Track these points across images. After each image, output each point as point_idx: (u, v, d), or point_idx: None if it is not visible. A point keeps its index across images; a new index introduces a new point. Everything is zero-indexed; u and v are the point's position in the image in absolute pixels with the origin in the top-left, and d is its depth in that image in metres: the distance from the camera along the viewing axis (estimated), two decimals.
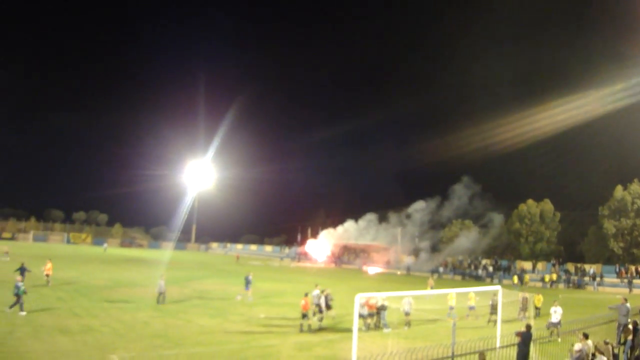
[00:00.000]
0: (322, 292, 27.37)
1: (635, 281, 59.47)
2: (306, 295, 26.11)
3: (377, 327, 26.15)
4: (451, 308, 31.23)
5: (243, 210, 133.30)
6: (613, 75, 75.80)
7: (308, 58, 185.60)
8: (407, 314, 27.57)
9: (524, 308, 31.32)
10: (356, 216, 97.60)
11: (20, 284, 25.62)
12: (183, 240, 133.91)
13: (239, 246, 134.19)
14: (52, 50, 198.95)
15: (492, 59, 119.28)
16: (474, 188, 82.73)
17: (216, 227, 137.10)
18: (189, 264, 74.28)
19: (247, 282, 35.75)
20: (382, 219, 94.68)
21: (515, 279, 61.72)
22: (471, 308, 31.69)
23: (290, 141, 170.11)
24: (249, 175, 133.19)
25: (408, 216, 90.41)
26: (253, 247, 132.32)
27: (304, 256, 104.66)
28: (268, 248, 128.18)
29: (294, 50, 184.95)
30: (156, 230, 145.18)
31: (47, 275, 36.96)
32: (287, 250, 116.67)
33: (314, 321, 26.13)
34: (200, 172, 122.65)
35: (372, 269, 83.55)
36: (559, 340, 22.81)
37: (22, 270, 35.59)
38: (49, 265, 37.06)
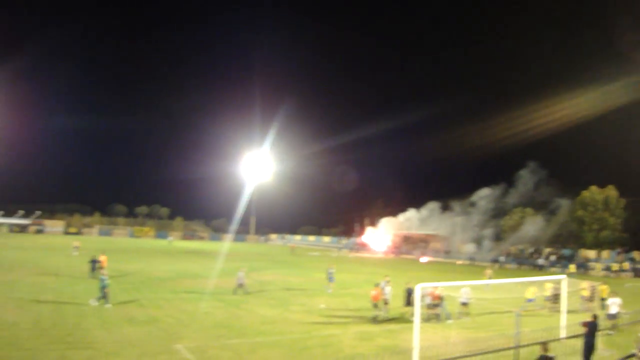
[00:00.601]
0: (387, 283, 27.24)
1: None
2: (377, 285, 26.05)
3: (439, 318, 25.83)
4: (529, 300, 30.55)
5: (301, 202, 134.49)
6: None
7: (365, 52, 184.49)
8: (464, 304, 27.19)
9: (592, 298, 30.48)
10: (418, 205, 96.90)
11: (105, 277, 26.27)
12: (243, 232, 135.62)
13: (297, 237, 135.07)
14: (123, 54, 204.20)
15: (553, 36, 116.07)
16: (540, 173, 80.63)
17: (275, 219, 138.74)
18: (249, 255, 75.23)
19: (330, 275, 36.70)
20: (445, 207, 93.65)
21: (573, 267, 60.09)
22: (547, 299, 30.87)
23: (348, 133, 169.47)
24: (306, 167, 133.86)
25: (472, 204, 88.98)
26: (311, 238, 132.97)
27: (362, 246, 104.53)
28: (326, 239, 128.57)
29: (351, 45, 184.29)
30: (216, 222, 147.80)
31: (102, 268, 37.68)
32: (344, 240, 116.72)
33: (382, 313, 26.06)
34: (258, 164, 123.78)
35: (424, 259, 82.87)
36: (612, 333, 21.98)
37: (93, 262, 36.78)
38: (102, 258, 37.91)
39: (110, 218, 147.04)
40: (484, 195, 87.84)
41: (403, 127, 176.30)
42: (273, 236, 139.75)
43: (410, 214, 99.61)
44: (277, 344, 19.47)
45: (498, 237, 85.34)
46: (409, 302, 26.23)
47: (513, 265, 73.49)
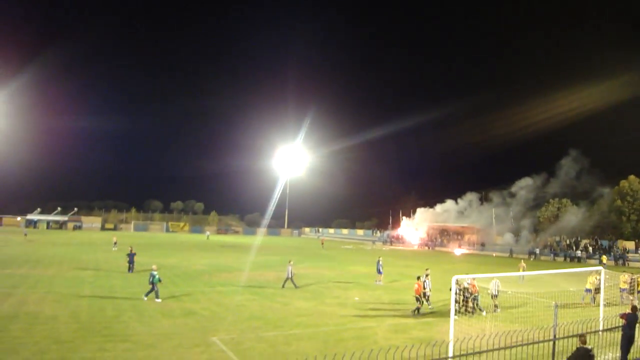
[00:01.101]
0: (427, 276, 27.04)
1: None
2: (419, 278, 25.98)
3: (474, 310, 25.59)
4: (587, 290, 30.11)
5: (334, 195, 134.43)
6: None
7: (396, 44, 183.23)
8: (494, 296, 26.90)
9: (631, 290, 29.89)
10: (456, 196, 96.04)
11: (155, 272, 26.50)
12: (276, 226, 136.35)
13: (331, 230, 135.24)
14: (154, 52, 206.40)
15: (589, 19, 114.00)
16: (582, 162, 78.65)
17: (308, 213, 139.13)
18: (283, 248, 75.63)
19: (379, 267, 37.22)
20: (485, 198, 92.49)
21: (605, 258, 58.99)
22: (587, 291, 30.36)
23: (383, 125, 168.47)
24: (339, 161, 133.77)
25: (512, 195, 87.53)
26: (344, 231, 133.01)
27: (396, 239, 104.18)
28: (359, 232, 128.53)
29: (383, 37, 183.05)
30: (250, 217, 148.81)
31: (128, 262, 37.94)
32: (378, 233, 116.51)
33: (425, 305, 25.99)
34: (291, 158, 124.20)
35: (458, 251, 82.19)
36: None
37: (130, 256, 37.33)
38: (130, 251, 38.33)
39: (146, 214, 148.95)
40: (524, 186, 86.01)
41: (439, 118, 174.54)
42: (306, 230, 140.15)
43: (448, 205, 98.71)
44: (311, 336, 19.54)
45: (536, 229, 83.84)
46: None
47: (549, 257, 72.29)
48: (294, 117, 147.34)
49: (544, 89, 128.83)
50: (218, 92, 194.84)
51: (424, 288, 26.13)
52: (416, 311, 25.16)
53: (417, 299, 25.41)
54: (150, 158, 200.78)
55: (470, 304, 25.58)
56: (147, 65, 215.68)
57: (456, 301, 24.94)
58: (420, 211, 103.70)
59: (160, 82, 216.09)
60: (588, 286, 30.01)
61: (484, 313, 25.27)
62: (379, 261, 37.60)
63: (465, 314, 24.52)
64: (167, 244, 74.02)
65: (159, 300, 25.79)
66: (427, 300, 26.25)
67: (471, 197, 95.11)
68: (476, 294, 25.75)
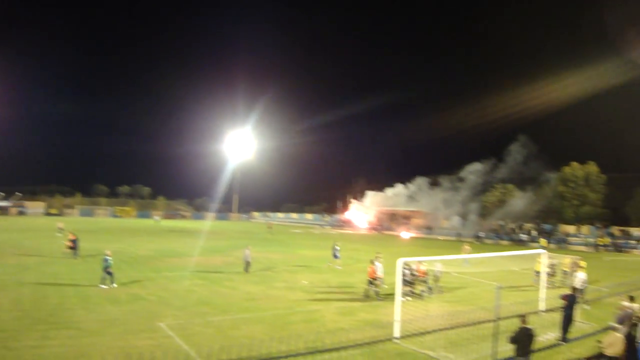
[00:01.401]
0: (379, 259, 27.24)
1: None
2: (372, 262, 26.17)
3: (430, 292, 26.00)
4: (537, 273, 30.91)
5: (283, 180, 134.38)
6: None
7: (350, 32, 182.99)
8: (436, 277, 27.42)
9: (571, 273, 30.87)
10: (406, 180, 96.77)
11: (109, 257, 26.04)
12: (225, 210, 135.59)
13: (280, 215, 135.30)
14: (103, 36, 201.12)
15: (543, 14, 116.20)
16: (530, 148, 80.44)
17: (257, 197, 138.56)
18: (232, 233, 75.28)
19: (335, 252, 37.58)
20: (435, 183, 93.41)
21: (544, 241, 61.07)
22: (536, 274, 31.16)
23: (334, 111, 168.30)
24: (288, 146, 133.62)
25: (461, 179, 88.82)
26: (294, 215, 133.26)
27: (345, 223, 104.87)
28: (309, 216, 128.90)
29: (336, 26, 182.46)
30: (199, 201, 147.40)
31: (71, 248, 37.29)
32: (327, 217, 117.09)
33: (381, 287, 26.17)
34: (240, 142, 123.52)
35: (406, 234, 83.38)
36: (588, 308, 22.34)
37: (73, 242, 36.64)
38: (70, 236, 37.74)
39: (92, 198, 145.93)
40: (473, 170, 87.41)
41: (390, 103, 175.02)
42: (256, 214, 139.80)
43: (398, 189, 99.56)
44: (259, 319, 19.61)
45: (482, 213, 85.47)
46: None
47: (494, 241, 74.02)
48: (245, 102, 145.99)
49: (496, 77, 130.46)
50: (167, 75, 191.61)
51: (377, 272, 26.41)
52: (372, 293, 25.35)
53: (370, 282, 25.66)
54: (96, 141, 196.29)
55: (420, 288, 25.99)
56: (95, 47, 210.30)
57: (404, 283, 25.47)
58: (370, 195, 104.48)
59: (108, 63, 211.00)
60: (537, 269, 30.87)
61: (431, 295, 25.75)
62: (335, 246, 37.97)
63: (412, 296, 24.97)
64: (113, 229, 72.76)
65: (115, 285, 25.51)
66: (377, 282, 26.54)
67: (421, 181, 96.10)
68: (425, 278, 26.20)
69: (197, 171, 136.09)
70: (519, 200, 79.67)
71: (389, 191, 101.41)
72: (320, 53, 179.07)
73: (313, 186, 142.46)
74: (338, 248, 37.91)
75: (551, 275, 30.76)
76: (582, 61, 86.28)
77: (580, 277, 24.00)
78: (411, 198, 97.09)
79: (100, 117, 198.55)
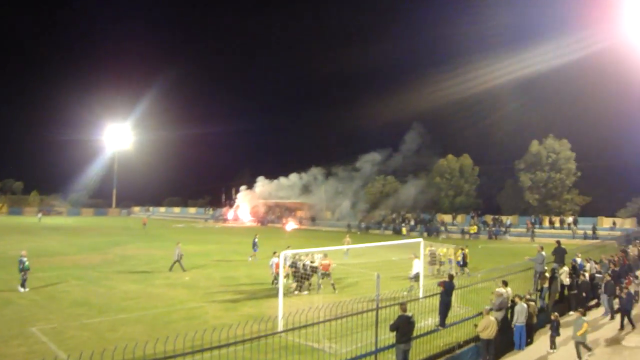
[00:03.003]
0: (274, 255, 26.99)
1: (547, 231, 63.13)
2: (275, 253, 25.81)
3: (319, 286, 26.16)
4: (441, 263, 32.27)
5: (165, 173, 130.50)
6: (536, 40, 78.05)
7: (236, 22, 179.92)
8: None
9: (433, 262, 32.36)
10: (301, 171, 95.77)
11: (24, 258, 24.60)
12: (104, 205, 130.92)
13: (162, 209, 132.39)
14: None
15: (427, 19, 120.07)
16: (424, 136, 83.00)
17: (138, 191, 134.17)
18: (111, 229, 72.73)
19: (254, 244, 37.77)
20: (330, 173, 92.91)
21: (404, 230, 68.12)
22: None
23: (220, 102, 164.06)
24: (170, 138, 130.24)
25: (357, 169, 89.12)
26: (176, 209, 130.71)
27: (228, 216, 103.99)
28: (192, 210, 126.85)
29: (222, 18, 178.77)
30: (75, 196, 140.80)
31: None
32: (211, 211, 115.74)
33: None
34: (119, 135, 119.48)
35: (290, 226, 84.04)
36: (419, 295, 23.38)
37: None
38: None
39: None
40: (369, 160, 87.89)
41: (286, 95, 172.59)
42: (136, 209, 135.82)
43: (290, 179, 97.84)
44: (139, 319, 19.20)
45: (367, 204, 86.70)
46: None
47: (379, 231, 75.81)
48: (126, 92, 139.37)
49: (397, 69, 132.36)
50: (42, 60, 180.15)
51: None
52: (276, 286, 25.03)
53: (276, 277, 25.10)
54: None
55: (317, 280, 26.09)
56: None
57: (294, 276, 25.66)
58: (255, 187, 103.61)
59: None
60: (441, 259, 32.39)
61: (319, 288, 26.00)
62: (254, 239, 38.24)
63: (307, 290, 25.16)
64: None
65: (26, 289, 24.41)
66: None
67: (316, 171, 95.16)
68: (326, 271, 26.45)
69: (74, 164, 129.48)
70: (403, 191, 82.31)
71: (275, 182, 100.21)
72: (209, 43, 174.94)
73: (197, 179, 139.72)
74: (257, 240, 37.99)
75: (432, 263, 32.23)
76: (467, 61, 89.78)
77: (417, 264, 25.42)
78: (302, 189, 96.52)
79: None
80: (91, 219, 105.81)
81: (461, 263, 32.44)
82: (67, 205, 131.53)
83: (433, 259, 32.42)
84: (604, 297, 22.28)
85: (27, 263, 24.69)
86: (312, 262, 26.03)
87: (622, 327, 18.77)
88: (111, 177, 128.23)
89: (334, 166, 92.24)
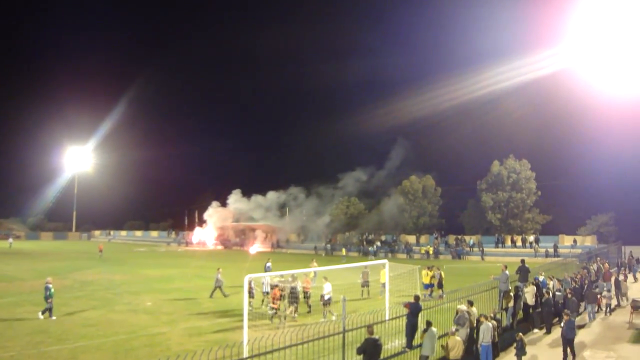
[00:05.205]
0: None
1: (509, 250, 64.59)
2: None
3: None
4: (427, 286, 31.89)
5: (127, 196, 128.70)
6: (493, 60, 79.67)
7: (203, 37, 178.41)
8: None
9: (365, 284, 32.28)
10: (280, 189, 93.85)
11: (50, 285, 24.16)
12: (64, 229, 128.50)
13: (123, 233, 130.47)
14: None
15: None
16: (407, 152, 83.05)
17: (99, 215, 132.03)
18: (71, 253, 71.22)
19: (267, 270, 34.88)
20: (311, 192, 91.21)
21: (344, 251, 69.33)
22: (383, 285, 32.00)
23: (180, 125, 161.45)
24: (132, 160, 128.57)
25: (338, 188, 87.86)
26: (138, 233, 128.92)
27: (192, 240, 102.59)
28: (154, 233, 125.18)
29: (189, 33, 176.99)
30: (33, 220, 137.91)
31: None
32: (174, 234, 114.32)
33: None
34: (79, 158, 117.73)
35: (253, 249, 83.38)
36: (333, 318, 23.15)
37: None
38: None
39: None
40: (356, 178, 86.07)
41: (257, 107, 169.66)
42: (97, 232, 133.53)
43: (260, 199, 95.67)
44: (100, 347, 18.71)
45: (333, 226, 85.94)
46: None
47: (342, 253, 75.20)
48: (86, 116, 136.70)
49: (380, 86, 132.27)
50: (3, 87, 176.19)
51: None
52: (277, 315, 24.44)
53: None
54: None
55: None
56: None
57: (274, 299, 25.16)
58: (218, 210, 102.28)
59: None
60: (382, 280, 32.03)
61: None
62: (267, 264, 36.09)
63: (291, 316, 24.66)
64: None
65: (54, 317, 23.85)
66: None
67: (293, 190, 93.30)
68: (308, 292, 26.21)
69: (32, 188, 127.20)
70: (369, 212, 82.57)
71: (252, 199, 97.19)
72: (174, 61, 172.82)
73: (159, 202, 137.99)
74: (269, 265, 35.96)
75: (365, 285, 32.12)
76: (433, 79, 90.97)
77: (327, 288, 25.18)
78: (278, 208, 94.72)
79: None
80: (50, 243, 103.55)
81: (435, 285, 32.43)
82: (25, 229, 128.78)
83: (365, 281, 32.32)
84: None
85: (52, 291, 24.29)
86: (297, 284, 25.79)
87: (564, 356, 18.42)
88: (71, 200, 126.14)
89: (315, 185, 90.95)
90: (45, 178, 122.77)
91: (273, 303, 23.90)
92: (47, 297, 24.11)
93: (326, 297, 24.87)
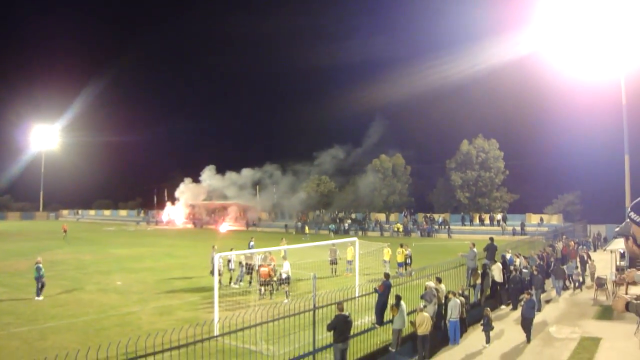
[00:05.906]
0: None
1: (477, 227, 65.78)
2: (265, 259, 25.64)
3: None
4: (385, 262, 31.79)
5: (95, 175, 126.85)
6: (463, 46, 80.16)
7: (172, 19, 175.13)
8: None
9: (333, 261, 32.53)
10: (256, 166, 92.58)
11: (40, 265, 24.33)
12: (31, 209, 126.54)
13: (92, 212, 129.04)
14: None
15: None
16: (384, 129, 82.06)
17: (67, 194, 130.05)
18: (38, 233, 70.26)
19: (250, 248, 34.19)
20: (286, 169, 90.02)
21: (307, 229, 68.66)
22: (349, 262, 32.16)
23: (152, 104, 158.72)
24: (100, 140, 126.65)
25: (315, 165, 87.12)
26: (107, 212, 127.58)
27: (162, 218, 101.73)
28: (123, 212, 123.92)
29: (158, 15, 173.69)
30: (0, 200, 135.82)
31: None
32: (143, 213, 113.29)
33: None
34: (46, 137, 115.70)
35: (223, 227, 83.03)
36: (285, 301, 22.57)
37: None
38: None
39: None
40: (332, 155, 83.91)
41: (209, 98, 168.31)
42: (65, 212, 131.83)
43: (235, 176, 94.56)
44: (70, 327, 18.63)
45: (305, 203, 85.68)
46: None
47: (314, 231, 75.09)
48: (53, 94, 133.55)
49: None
50: None
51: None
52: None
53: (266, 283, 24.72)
54: None
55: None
56: None
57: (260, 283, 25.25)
58: (188, 187, 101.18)
59: None
60: (349, 257, 32.25)
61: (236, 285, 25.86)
62: (250, 242, 35.84)
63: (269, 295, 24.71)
64: None
65: (41, 298, 23.76)
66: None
67: (269, 167, 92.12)
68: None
69: None
70: (339, 191, 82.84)
71: (227, 176, 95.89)
72: (144, 43, 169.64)
73: (128, 181, 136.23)
74: (252, 244, 35.40)
75: (333, 263, 32.41)
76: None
77: (285, 266, 25.17)
78: (253, 186, 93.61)
79: None
80: (17, 223, 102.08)
81: (405, 262, 32.81)
82: None
83: (334, 259, 32.53)
84: (533, 292, 22.95)
85: (43, 271, 24.39)
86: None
87: (528, 335, 18.61)
88: (38, 179, 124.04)
89: (290, 162, 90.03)
90: (10, 157, 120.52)
91: (265, 282, 24.37)
92: (39, 277, 24.18)
93: (284, 276, 24.81)
